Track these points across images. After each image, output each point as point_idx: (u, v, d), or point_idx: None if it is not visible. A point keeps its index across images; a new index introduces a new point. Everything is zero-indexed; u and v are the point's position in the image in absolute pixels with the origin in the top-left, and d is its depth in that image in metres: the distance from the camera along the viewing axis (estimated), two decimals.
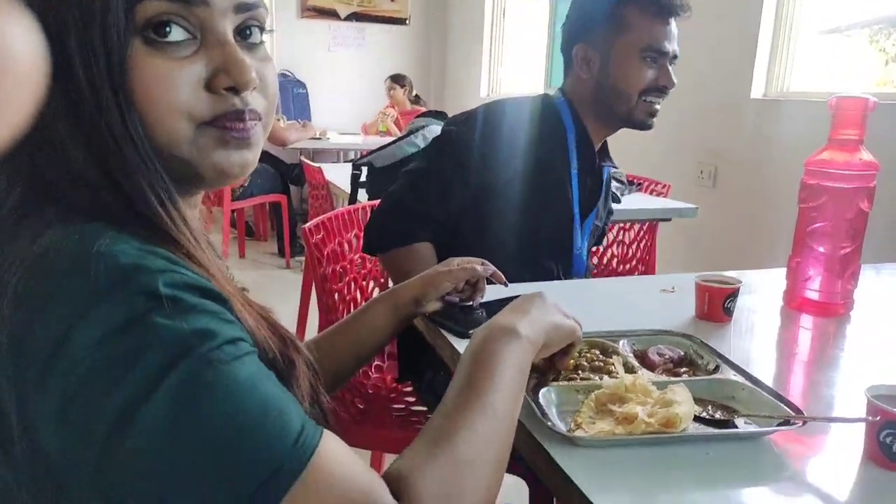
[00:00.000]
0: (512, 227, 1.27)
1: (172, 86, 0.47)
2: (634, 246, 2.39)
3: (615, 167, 1.46)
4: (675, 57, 1.27)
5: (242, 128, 0.51)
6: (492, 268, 0.98)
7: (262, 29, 0.54)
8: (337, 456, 0.44)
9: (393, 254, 1.25)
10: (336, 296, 1.48)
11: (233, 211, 4.01)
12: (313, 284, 1.47)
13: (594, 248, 1.65)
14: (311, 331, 1.74)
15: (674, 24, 1.26)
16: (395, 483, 0.46)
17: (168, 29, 0.47)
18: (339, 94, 5.31)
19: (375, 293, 1.62)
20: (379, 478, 0.45)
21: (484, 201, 1.26)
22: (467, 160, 1.25)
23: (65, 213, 0.45)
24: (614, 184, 2.11)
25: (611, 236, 2.48)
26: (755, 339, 0.97)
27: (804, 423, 0.65)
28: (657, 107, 1.28)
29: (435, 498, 0.46)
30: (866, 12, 2.64)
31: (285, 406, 0.43)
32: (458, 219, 1.27)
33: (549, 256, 1.32)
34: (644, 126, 1.31)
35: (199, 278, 0.44)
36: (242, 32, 0.52)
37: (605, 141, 1.40)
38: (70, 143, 0.46)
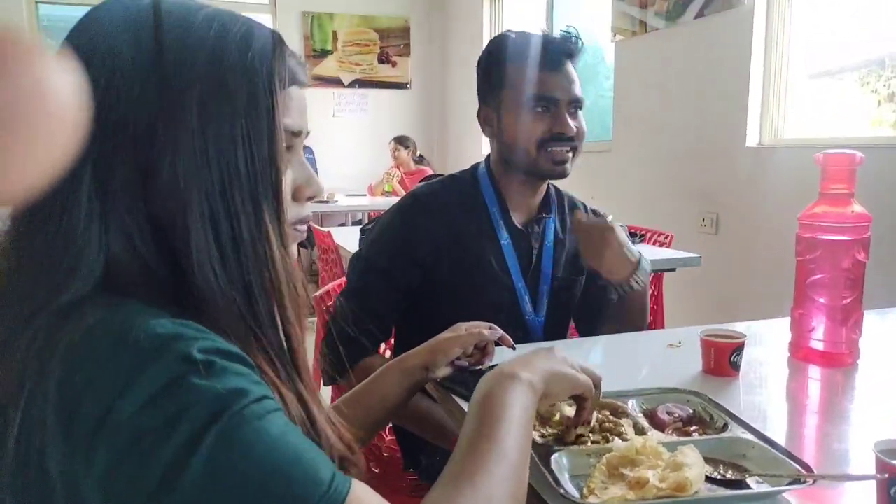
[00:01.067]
0: (454, 310, 1.18)
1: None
2: None
3: (582, 207, 1.41)
4: (573, 102, 1.23)
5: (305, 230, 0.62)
6: (499, 332, 1.00)
7: None
8: (370, 499, 0.47)
9: (349, 378, 1.16)
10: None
11: None
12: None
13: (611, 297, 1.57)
14: (323, 394, 1.75)
15: (567, 70, 1.23)
16: None
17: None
18: (345, 157, 5.44)
19: (386, 355, 1.63)
20: None
21: (420, 297, 1.28)
22: (392, 264, 1.25)
23: (106, 302, 0.48)
24: None
25: None
26: (764, 392, 0.97)
27: (814, 481, 0.65)
28: (565, 154, 1.24)
29: None
30: (854, 55, 2.72)
31: (316, 456, 0.46)
32: (401, 319, 1.30)
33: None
34: (554, 175, 1.27)
35: (228, 345, 0.48)
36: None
37: (549, 192, 1.35)
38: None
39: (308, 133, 0.60)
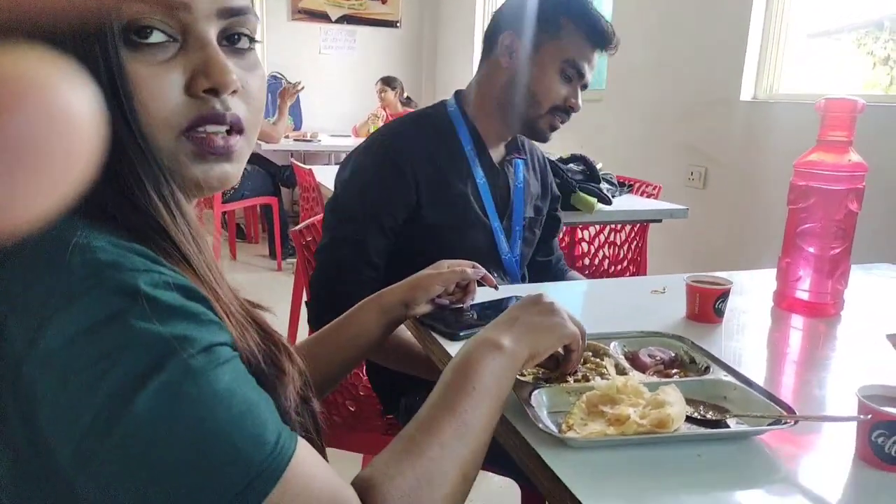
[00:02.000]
0: (435, 253, 1.18)
1: (152, 90, 0.46)
2: (626, 247, 2.39)
3: (549, 156, 1.45)
4: (585, 86, 1.27)
5: (222, 141, 0.50)
6: (482, 271, 0.97)
7: (250, 37, 0.53)
8: (311, 464, 0.44)
9: None
10: None
11: (223, 213, 3.99)
12: (304, 287, 1.46)
13: (558, 237, 1.62)
14: (303, 333, 1.73)
15: (597, 57, 1.26)
16: (364, 490, 0.47)
17: (148, 31, 0.46)
18: (330, 96, 5.30)
19: None
20: (349, 486, 0.47)
21: (401, 237, 1.24)
22: (376, 208, 1.21)
23: None
24: (605, 185, 2.11)
25: (602, 237, 2.48)
26: (746, 339, 0.97)
27: (795, 422, 0.64)
28: (559, 124, 1.27)
29: None
30: (854, 16, 2.66)
31: (262, 414, 0.43)
32: (387, 261, 1.26)
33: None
34: (542, 138, 1.29)
35: (178, 276, 0.43)
36: (230, 38, 0.52)
37: (516, 136, 1.35)
38: None
39: (228, 8, 0.49)
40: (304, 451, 0.44)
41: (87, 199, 0.44)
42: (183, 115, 0.48)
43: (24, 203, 0.13)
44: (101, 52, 0.44)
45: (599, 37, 1.23)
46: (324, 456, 0.53)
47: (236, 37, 0.52)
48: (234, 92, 0.50)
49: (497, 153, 1.32)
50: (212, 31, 0.49)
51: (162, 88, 0.47)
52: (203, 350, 0.41)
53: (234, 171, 0.52)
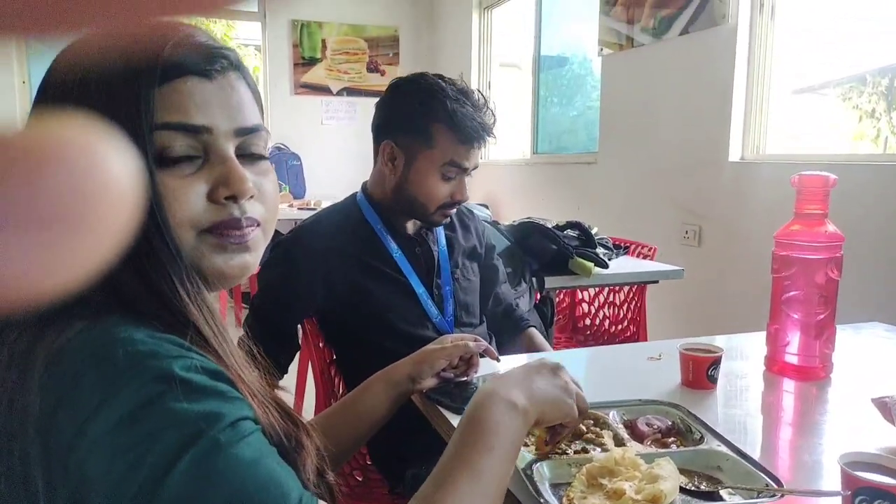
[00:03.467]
0: (375, 329, 1.29)
1: (180, 198, 0.53)
2: (625, 307, 2.43)
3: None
4: (473, 168, 1.31)
5: (239, 234, 0.56)
6: (484, 343, 1.02)
7: (262, 151, 0.60)
8: None
9: None
10: (333, 369, 1.50)
11: None
12: (310, 352, 1.50)
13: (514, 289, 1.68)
14: (309, 399, 1.76)
15: (477, 148, 1.29)
16: None
17: (178, 156, 0.54)
18: (332, 164, 5.45)
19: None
20: None
21: (333, 325, 1.33)
22: (283, 312, 1.31)
23: (87, 311, 0.49)
24: (601, 250, 2.17)
25: (601, 298, 2.53)
26: (740, 405, 1.00)
27: (782, 495, 0.68)
28: (451, 212, 1.33)
29: None
30: (837, 72, 2.78)
31: (285, 481, 0.48)
32: (336, 347, 1.37)
33: (418, 338, 1.27)
34: (437, 225, 1.36)
35: (206, 361, 0.49)
36: (244, 151, 0.59)
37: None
38: None
39: (247, 129, 0.56)
40: None
41: (125, 298, 0.50)
42: (205, 218, 0.55)
43: (64, 261, 0.12)
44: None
45: (472, 135, 1.26)
46: None
47: (249, 149, 0.59)
48: (251, 197, 0.57)
49: (412, 227, 1.38)
50: (230, 148, 0.57)
51: (188, 196, 0.54)
52: (230, 425, 0.46)
53: (252, 260, 0.59)
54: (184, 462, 0.44)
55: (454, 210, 1.33)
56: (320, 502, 0.49)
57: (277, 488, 0.47)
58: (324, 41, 5.40)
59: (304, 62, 5.40)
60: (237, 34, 7.19)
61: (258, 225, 0.59)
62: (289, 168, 5.12)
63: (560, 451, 0.81)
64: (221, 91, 0.55)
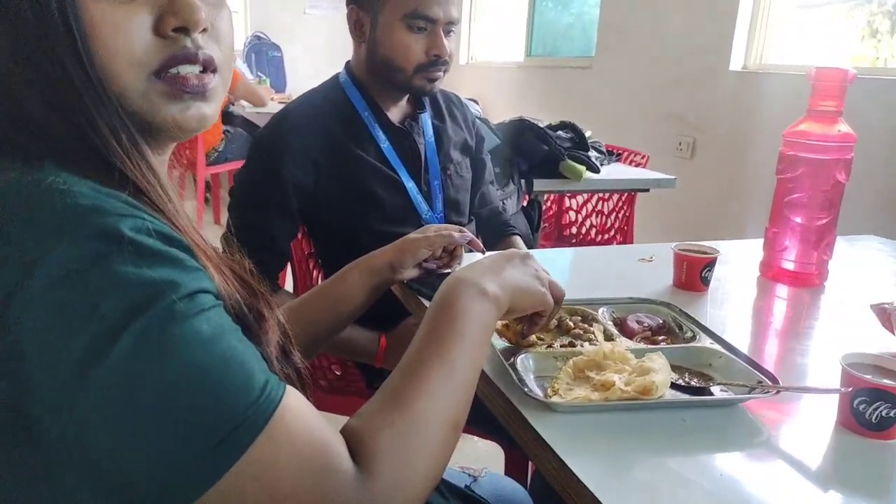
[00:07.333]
0: (360, 224, 1.22)
1: (118, 30, 0.45)
2: (613, 216, 2.39)
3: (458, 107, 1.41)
4: (450, 23, 1.19)
5: (197, 82, 0.49)
6: (469, 235, 0.96)
7: None
8: (299, 412, 0.43)
9: None
10: (311, 262, 1.45)
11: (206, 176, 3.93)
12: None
13: (498, 189, 1.60)
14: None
15: None
16: (352, 441, 0.46)
17: None
18: (315, 57, 5.18)
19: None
20: (338, 435, 0.46)
21: (321, 215, 1.24)
22: (278, 196, 1.19)
23: (21, 163, 0.42)
24: (593, 154, 2.10)
25: (589, 206, 2.48)
26: (732, 308, 0.97)
27: (777, 392, 0.65)
28: (439, 74, 1.22)
29: (389, 459, 0.46)
30: None
31: (249, 360, 0.42)
32: (317, 240, 1.28)
33: (404, 235, 1.18)
34: (425, 92, 1.25)
35: (159, 223, 0.42)
36: None
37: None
38: (26, 92, 0.43)
39: None
40: (292, 399, 0.43)
41: (54, 145, 0.42)
42: (153, 56, 0.46)
43: None
44: None
45: None
46: None
47: None
48: (204, 30, 0.49)
49: (397, 113, 1.29)
50: None
51: (128, 28, 0.45)
52: (188, 295, 0.40)
53: (210, 111, 0.51)
54: (129, 331, 0.38)
55: (440, 73, 1.22)
56: (289, 387, 0.44)
57: (240, 367, 0.41)
58: None
59: None
60: None
61: (215, 71, 0.51)
62: (269, 59, 4.87)
63: (544, 343, 0.77)
64: None
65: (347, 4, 1.23)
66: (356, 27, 1.23)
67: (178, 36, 0.47)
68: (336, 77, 1.31)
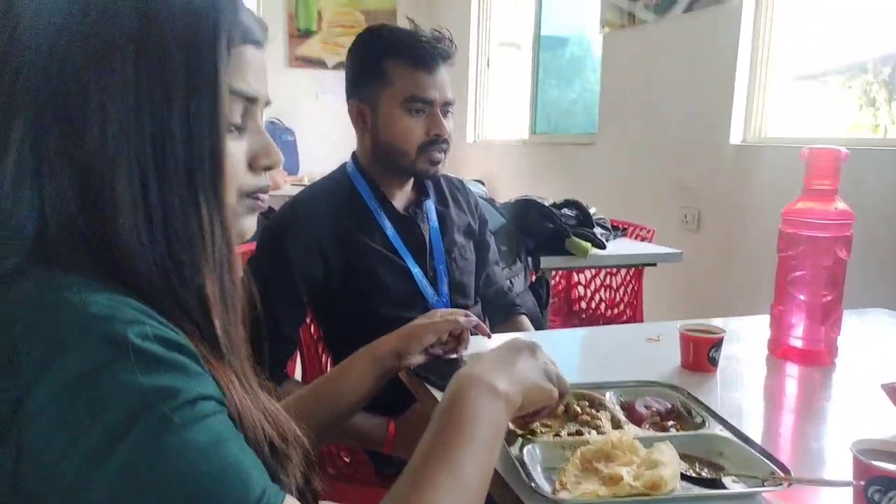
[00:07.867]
0: (367, 312, 1.24)
1: (233, 162, 0.52)
2: (622, 290, 2.39)
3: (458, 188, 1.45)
4: (446, 104, 1.25)
5: (265, 200, 0.58)
6: (475, 319, 0.97)
7: None
8: None
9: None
10: (320, 346, 1.46)
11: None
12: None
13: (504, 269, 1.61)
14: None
15: (442, 72, 1.24)
16: None
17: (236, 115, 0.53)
18: (327, 140, 5.35)
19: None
20: None
21: (329, 302, 1.26)
22: (287, 287, 1.21)
23: (42, 268, 0.44)
24: (598, 230, 2.13)
25: (598, 281, 2.49)
26: (742, 389, 0.96)
27: (790, 484, 0.64)
28: (441, 155, 1.26)
29: None
30: (839, 59, 2.72)
31: (246, 470, 0.42)
32: (324, 327, 1.31)
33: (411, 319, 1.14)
34: (429, 175, 1.29)
35: (166, 329, 0.43)
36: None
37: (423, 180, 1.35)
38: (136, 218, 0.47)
39: (269, 102, 0.57)
40: None
41: (91, 260, 0.44)
42: (250, 185, 0.56)
43: None
44: (207, 118, 0.50)
45: (424, 57, 1.20)
46: None
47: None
48: None
49: (402, 200, 1.33)
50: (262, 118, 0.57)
51: (239, 161, 0.54)
52: (188, 402, 0.41)
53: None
54: (126, 442, 0.38)
55: (442, 153, 1.26)
56: (288, 497, 0.44)
57: (237, 476, 0.41)
58: (320, 12, 5.30)
59: (300, 34, 5.30)
60: None
61: None
62: (283, 143, 5.03)
63: (551, 431, 0.76)
64: (263, 60, 0.56)
65: (348, 99, 1.29)
66: (358, 118, 1.28)
67: (263, 172, 0.57)
68: (343, 167, 1.36)
